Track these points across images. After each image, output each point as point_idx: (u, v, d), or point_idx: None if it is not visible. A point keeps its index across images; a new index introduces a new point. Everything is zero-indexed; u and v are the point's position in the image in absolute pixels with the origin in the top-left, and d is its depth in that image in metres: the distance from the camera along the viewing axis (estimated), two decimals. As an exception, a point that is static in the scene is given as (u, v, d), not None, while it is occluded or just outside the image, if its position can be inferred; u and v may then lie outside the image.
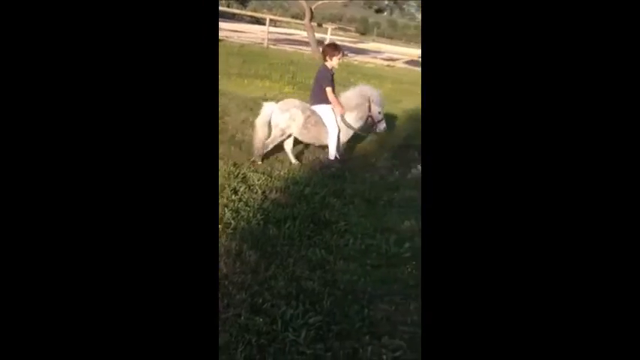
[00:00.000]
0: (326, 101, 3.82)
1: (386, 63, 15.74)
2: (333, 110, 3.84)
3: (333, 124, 3.82)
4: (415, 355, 1.81)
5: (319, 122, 3.80)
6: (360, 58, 15.90)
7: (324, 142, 3.92)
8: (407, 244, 2.71)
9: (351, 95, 3.91)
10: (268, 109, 3.75)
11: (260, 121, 3.74)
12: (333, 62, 3.89)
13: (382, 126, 4.01)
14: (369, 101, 3.88)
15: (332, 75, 3.90)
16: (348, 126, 3.90)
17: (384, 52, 20.49)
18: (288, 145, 3.94)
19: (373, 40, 33.12)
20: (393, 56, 18.44)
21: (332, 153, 3.90)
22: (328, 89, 3.77)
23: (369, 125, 3.99)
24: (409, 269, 2.45)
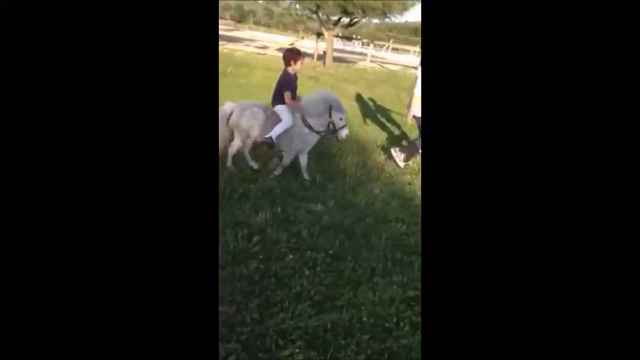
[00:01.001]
0: (284, 102, 3.76)
1: (257, 51, 15.53)
2: (290, 109, 3.75)
3: (288, 117, 3.71)
4: (251, 355, 1.73)
5: (278, 121, 3.69)
6: (230, 46, 15.40)
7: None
8: (255, 238, 2.63)
9: (311, 100, 3.77)
10: (227, 108, 3.60)
11: (220, 121, 3.51)
12: (296, 67, 3.81)
13: (344, 133, 3.79)
14: (330, 107, 3.72)
15: (295, 79, 3.81)
16: (309, 128, 3.77)
17: (257, 41, 20.23)
18: (247, 148, 3.82)
19: (249, 28, 32.50)
20: (266, 44, 18.30)
21: (273, 132, 3.66)
22: (287, 94, 3.70)
23: (330, 131, 3.83)
24: (255, 264, 2.37)
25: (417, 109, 4.41)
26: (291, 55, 3.84)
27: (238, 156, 3.89)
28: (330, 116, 3.75)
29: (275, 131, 3.66)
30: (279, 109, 3.75)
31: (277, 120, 3.70)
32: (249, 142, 3.79)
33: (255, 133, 3.69)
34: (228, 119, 3.61)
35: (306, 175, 3.88)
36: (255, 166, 3.86)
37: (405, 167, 4.64)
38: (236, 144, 3.74)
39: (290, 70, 3.81)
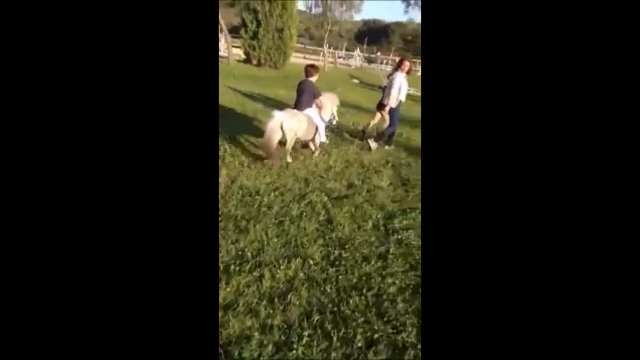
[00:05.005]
0: (311, 106, 5.06)
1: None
2: (315, 111, 5.13)
3: (320, 121, 5.13)
4: None
5: (312, 122, 4.94)
6: None
7: (310, 137, 5.11)
8: None
9: (324, 100, 5.22)
10: (280, 116, 4.50)
11: (274, 127, 4.46)
12: (315, 77, 5.13)
13: (335, 120, 5.56)
14: (333, 103, 5.39)
15: None
16: (323, 121, 5.22)
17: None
18: (290, 144, 4.76)
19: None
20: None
21: (323, 137, 5.24)
22: (318, 100, 5.14)
23: (331, 121, 5.43)
24: None
25: (392, 103, 5.75)
26: (313, 69, 5.14)
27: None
28: (332, 110, 5.39)
29: (323, 136, 5.21)
30: (311, 112, 5.02)
31: (312, 121, 4.95)
32: (294, 139, 4.79)
33: (300, 133, 4.77)
34: (282, 125, 4.53)
35: (324, 138, 5.26)
36: (290, 160, 4.76)
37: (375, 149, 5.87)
38: (289, 143, 4.71)
39: (313, 79, 5.10)
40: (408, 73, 5.73)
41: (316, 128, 5.11)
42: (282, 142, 4.78)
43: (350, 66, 23.50)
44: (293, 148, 4.90)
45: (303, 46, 19.36)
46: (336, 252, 2.79)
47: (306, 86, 5.05)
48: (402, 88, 5.71)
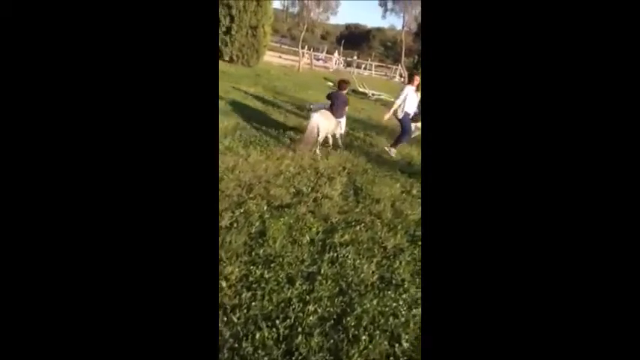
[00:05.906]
0: (343, 114, 6.09)
1: None
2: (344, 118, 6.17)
3: (344, 123, 6.22)
4: None
5: (339, 125, 6.05)
6: None
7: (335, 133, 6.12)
8: None
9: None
10: (316, 117, 5.63)
11: (312, 126, 5.61)
12: (346, 90, 6.14)
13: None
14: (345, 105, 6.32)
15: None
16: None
17: None
18: (321, 139, 5.70)
19: None
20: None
21: (342, 144, 6.18)
22: (345, 109, 6.13)
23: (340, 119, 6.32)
24: None
25: (398, 112, 6.25)
26: (345, 83, 6.17)
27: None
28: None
29: (340, 143, 6.18)
30: (342, 120, 6.10)
31: (339, 125, 6.04)
32: (325, 134, 5.79)
33: (329, 130, 5.86)
34: (318, 125, 5.55)
35: (340, 144, 6.21)
36: (318, 151, 5.65)
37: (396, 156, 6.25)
38: (321, 137, 5.68)
39: (344, 92, 6.09)
40: (417, 88, 6.23)
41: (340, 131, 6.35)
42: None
43: (327, 68, 23.30)
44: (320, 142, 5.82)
45: (279, 45, 18.98)
46: (258, 272, 2.45)
47: (339, 97, 6.09)
48: (409, 100, 6.16)
